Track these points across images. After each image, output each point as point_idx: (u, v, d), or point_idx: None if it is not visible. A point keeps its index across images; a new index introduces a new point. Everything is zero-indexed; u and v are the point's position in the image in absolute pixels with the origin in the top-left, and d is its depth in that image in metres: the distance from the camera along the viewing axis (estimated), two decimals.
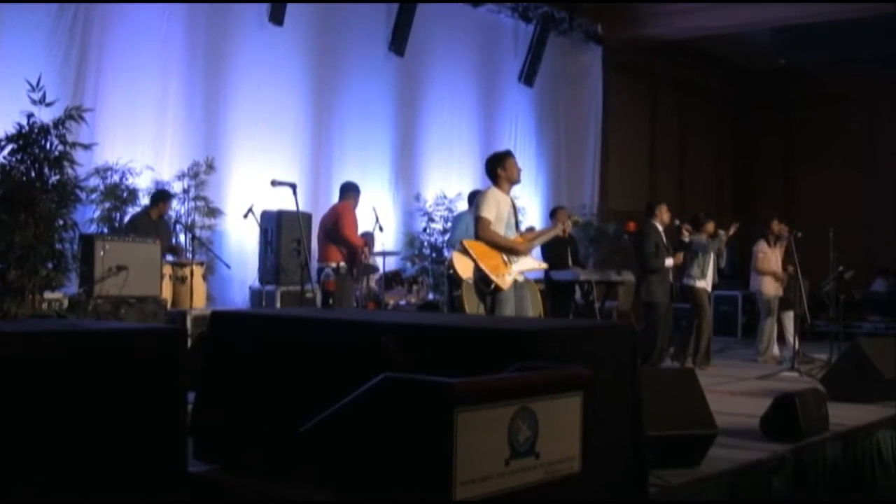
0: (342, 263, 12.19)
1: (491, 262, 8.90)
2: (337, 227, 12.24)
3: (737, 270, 19.10)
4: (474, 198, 13.04)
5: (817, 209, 20.78)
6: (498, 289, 8.86)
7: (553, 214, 14.83)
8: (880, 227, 23.06)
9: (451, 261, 12.58)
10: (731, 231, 13.70)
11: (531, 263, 9.45)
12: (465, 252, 9.36)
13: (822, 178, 24.10)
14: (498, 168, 9.24)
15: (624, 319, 14.11)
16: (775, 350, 14.59)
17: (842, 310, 14.70)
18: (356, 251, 12.33)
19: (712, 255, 13.52)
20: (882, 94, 23.22)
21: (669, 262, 12.94)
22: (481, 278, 8.94)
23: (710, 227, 13.61)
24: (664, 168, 23.67)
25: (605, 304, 14.66)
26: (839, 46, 21.53)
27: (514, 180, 9.39)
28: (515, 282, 9.06)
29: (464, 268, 10.63)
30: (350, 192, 12.75)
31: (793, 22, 19.85)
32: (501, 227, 9.03)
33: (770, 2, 18.34)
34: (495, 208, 9.03)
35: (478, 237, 9.04)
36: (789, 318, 14.53)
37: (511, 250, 9.02)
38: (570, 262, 14.16)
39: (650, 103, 23.59)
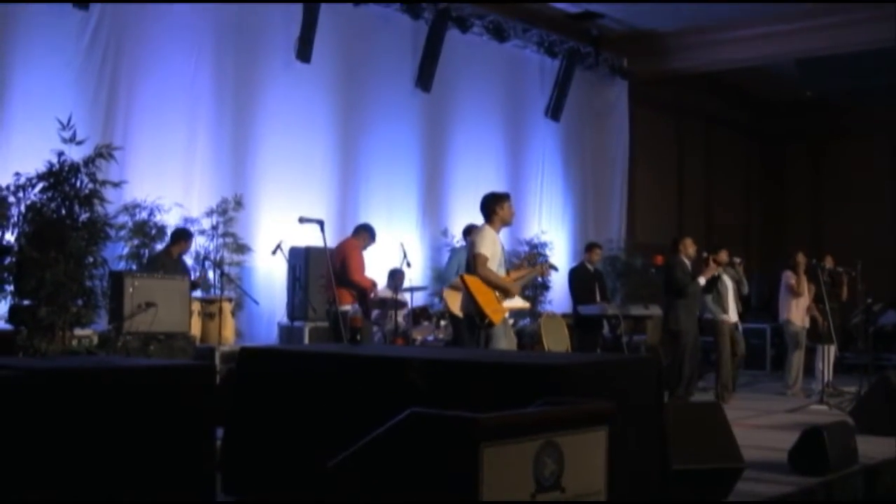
0: (355, 305, 12.13)
1: (486, 296, 9.05)
2: (345, 268, 12.15)
3: (765, 303, 19.04)
4: (469, 232, 13.13)
5: (845, 241, 20.66)
6: (491, 323, 8.98)
7: (588, 250, 14.86)
8: None
9: (444, 296, 12.58)
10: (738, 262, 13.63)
11: (518, 302, 9.60)
12: (459, 286, 9.50)
13: (849, 210, 24.04)
14: (496, 207, 9.41)
15: (651, 353, 14.09)
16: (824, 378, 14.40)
17: (871, 342, 14.63)
18: (365, 292, 12.30)
19: (731, 286, 13.55)
20: None
21: (702, 280, 12.93)
22: (477, 312, 9.05)
23: (724, 255, 13.62)
24: (691, 201, 23.66)
25: (633, 337, 14.64)
26: (865, 78, 21.51)
27: (508, 222, 9.67)
28: (504, 318, 9.20)
29: (454, 303, 10.76)
30: (362, 232, 12.67)
31: (819, 54, 19.85)
32: (494, 265, 9.21)
33: None
34: (491, 246, 9.22)
35: (475, 272, 9.14)
36: (824, 351, 14.42)
37: (504, 290, 9.17)
38: (598, 297, 14.17)
39: (676, 136, 23.60)
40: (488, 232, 9.31)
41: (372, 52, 15.86)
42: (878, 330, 16.90)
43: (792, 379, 14.42)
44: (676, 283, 12.92)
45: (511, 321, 10.28)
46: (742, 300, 14.03)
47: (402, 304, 13.52)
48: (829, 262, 14.28)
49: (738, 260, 13.69)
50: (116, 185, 10.56)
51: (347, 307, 11.84)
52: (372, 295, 12.63)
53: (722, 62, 20.53)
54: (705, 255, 13.31)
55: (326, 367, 6.17)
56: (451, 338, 12.19)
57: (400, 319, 13.34)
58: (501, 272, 9.31)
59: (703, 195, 24.22)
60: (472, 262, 9.24)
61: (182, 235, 12.46)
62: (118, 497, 4.81)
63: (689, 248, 13.27)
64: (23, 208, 9.70)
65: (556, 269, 11.89)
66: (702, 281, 12.96)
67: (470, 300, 9.22)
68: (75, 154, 9.85)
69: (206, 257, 13.04)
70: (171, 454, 5.08)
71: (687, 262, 13.15)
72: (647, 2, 17.71)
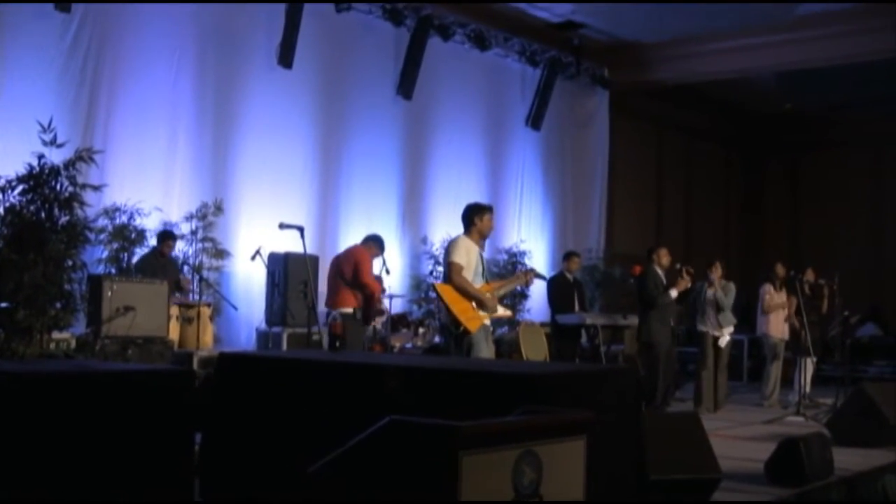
0: (356, 308, 12.07)
1: (460, 305, 9.04)
2: (357, 272, 12.11)
3: (742, 315, 19.12)
4: None
5: (823, 253, 20.78)
6: (467, 331, 8.97)
7: (566, 258, 14.88)
8: (887, 270, 23.06)
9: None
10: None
11: (498, 311, 9.56)
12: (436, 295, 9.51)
13: (827, 222, 24.15)
14: (475, 218, 9.40)
15: (629, 363, 14.12)
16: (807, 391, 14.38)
17: (848, 354, 14.68)
18: (373, 297, 12.28)
19: (709, 299, 13.60)
20: (888, 137, 23.27)
21: (674, 293, 12.96)
22: (451, 321, 9.07)
23: (717, 269, 13.71)
24: (670, 211, 23.74)
25: (611, 347, 14.66)
26: (845, 90, 21.64)
27: (486, 234, 9.62)
28: (483, 325, 9.17)
29: None
30: (371, 242, 12.63)
31: (799, 67, 19.95)
32: (470, 275, 9.18)
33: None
34: (465, 255, 9.19)
35: (449, 281, 9.16)
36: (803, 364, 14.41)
37: (478, 301, 9.16)
38: (576, 306, 14.18)
39: (656, 147, 23.70)
40: (463, 241, 9.31)
41: (354, 59, 15.88)
42: (854, 342, 16.96)
43: (769, 390, 14.46)
44: (646, 295, 12.97)
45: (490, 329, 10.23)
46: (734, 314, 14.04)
47: (381, 312, 13.51)
48: (810, 275, 14.32)
49: (717, 275, 13.71)
50: (96, 188, 10.54)
51: (349, 310, 11.84)
52: (378, 302, 12.62)
53: (702, 74, 20.60)
54: (678, 266, 13.32)
55: (305, 374, 6.17)
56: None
57: (378, 326, 13.33)
58: (479, 282, 9.30)
59: (682, 206, 24.31)
60: (446, 270, 9.26)
61: (168, 236, 12.48)
62: (96, 501, 4.79)
63: (663, 258, 13.27)
64: (2, 210, 9.66)
65: (543, 277, 11.83)
66: (673, 293, 12.99)
67: (444, 309, 9.24)
68: (55, 157, 9.83)
69: (184, 262, 13.03)
70: (149, 459, 5.06)
71: (660, 272, 13.17)
72: (628, 1, 17.71)
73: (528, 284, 12.24)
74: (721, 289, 13.69)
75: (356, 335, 11.88)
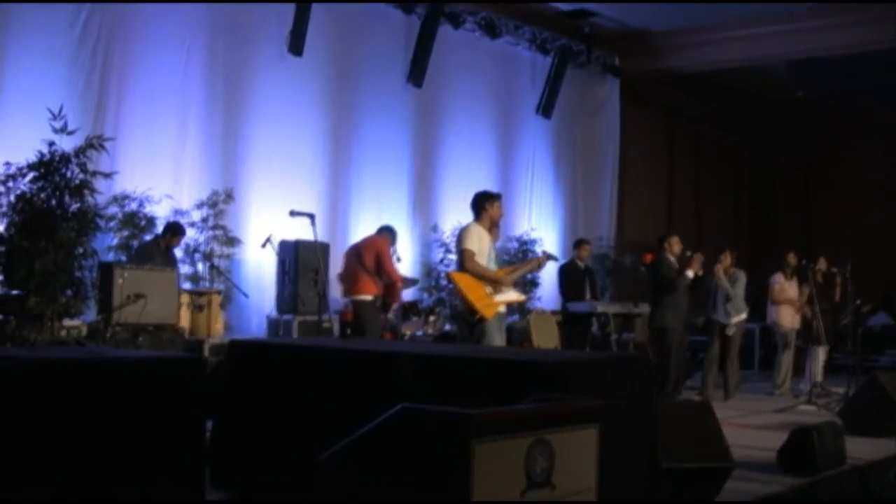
0: (377, 295, 12.04)
1: (476, 293, 9.06)
2: (380, 261, 12.08)
3: (754, 303, 19.08)
4: None
5: (834, 242, 20.69)
6: (483, 318, 8.98)
7: (577, 246, 14.84)
8: None
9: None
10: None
11: (513, 296, 9.60)
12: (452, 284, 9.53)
13: (839, 211, 24.08)
14: (486, 204, 9.45)
15: (640, 351, 14.09)
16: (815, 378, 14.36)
17: (860, 343, 14.64)
18: (395, 285, 12.28)
19: (719, 287, 13.60)
20: None
21: (690, 273, 12.89)
22: (467, 310, 9.08)
23: (727, 259, 13.68)
24: (681, 200, 23.69)
25: (622, 335, 14.64)
26: (856, 79, 21.57)
27: (496, 221, 9.68)
28: (498, 312, 9.18)
29: None
30: (386, 232, 12.61)
31: (809, 55, 19.89)
32: (483, 261, 9.22)
33: None
34: (478, 242, 9.24)
35: (463, 269, 9.19)
36: (815, 352, 14.37)
37: (494, 282, 9.21)
38: (587, 294, 14.15)
39: (667, 135, 23.63)
40: (474, 228, 9.33)
41: (364, 47, 15.84)
42: (866, 331, 16.92)
43: (780, 379, 14.43)
44: (664, 278, 12.90)
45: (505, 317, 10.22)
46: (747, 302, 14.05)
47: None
48: (823, 264, 14.28)
49: (722, 265, 13.71)
50: (107, 175, 10.51)
51: (370, 297, 11.85)
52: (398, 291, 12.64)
53: (713, 62, 20.55)
54: (689, 253, 13.28)
55: (316, 362, 6.16)
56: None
57: (389, 314, 13.31)
58: (492, 269, 9.30)
59: (693, 194, 24.25)
60: (460, 258, 9.27)
61: (173, 230, 12.41)
62: (106, 490, 4.79)
63: (674, 246, 13.22)
64: (13, 198, 9.66)
65: (555, 258, 11.83)
66: (689, 274, 12.92)
67: (460, 297, 9.25)
68: (66, 144, 9.82)
69: (195, 249, 13.02)
70: (160, 446, 5.06)
71: (673, 259, 13.13)
72: (639, 1, 17.71)
73: (541, 268, 12.23)
74: (730, 277, 13.69)
75: (375, 322, 11.90)
